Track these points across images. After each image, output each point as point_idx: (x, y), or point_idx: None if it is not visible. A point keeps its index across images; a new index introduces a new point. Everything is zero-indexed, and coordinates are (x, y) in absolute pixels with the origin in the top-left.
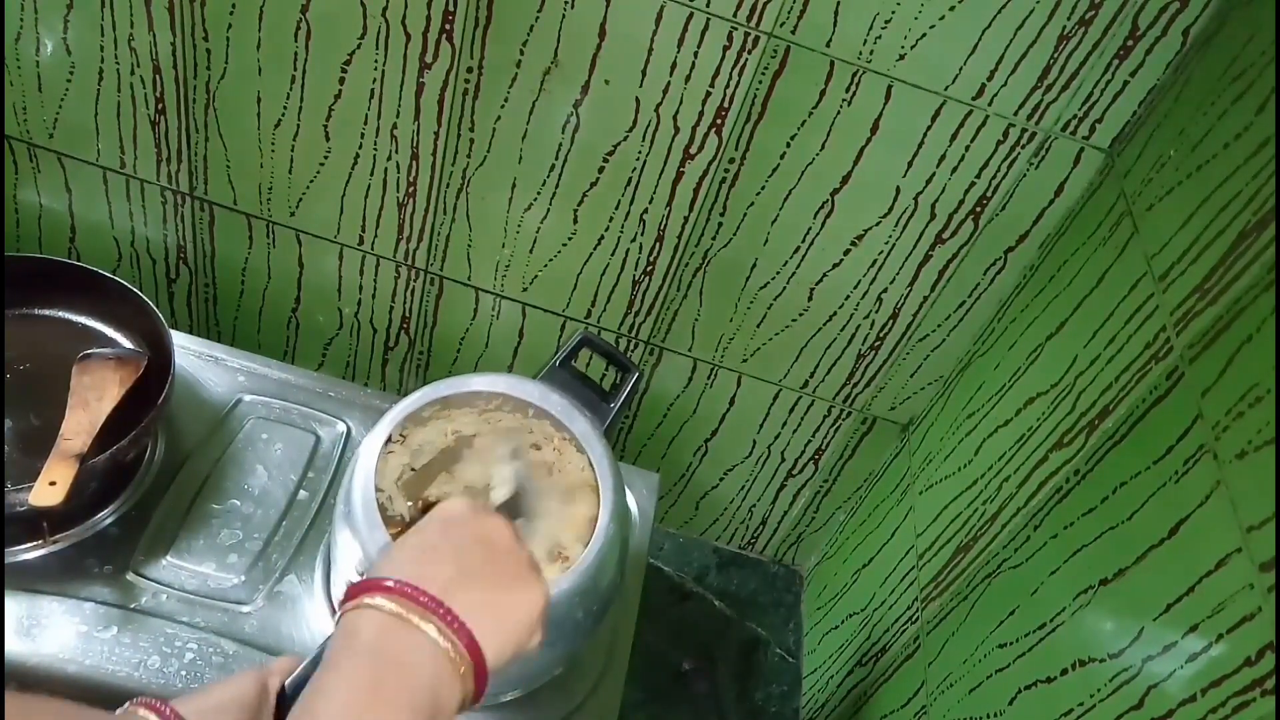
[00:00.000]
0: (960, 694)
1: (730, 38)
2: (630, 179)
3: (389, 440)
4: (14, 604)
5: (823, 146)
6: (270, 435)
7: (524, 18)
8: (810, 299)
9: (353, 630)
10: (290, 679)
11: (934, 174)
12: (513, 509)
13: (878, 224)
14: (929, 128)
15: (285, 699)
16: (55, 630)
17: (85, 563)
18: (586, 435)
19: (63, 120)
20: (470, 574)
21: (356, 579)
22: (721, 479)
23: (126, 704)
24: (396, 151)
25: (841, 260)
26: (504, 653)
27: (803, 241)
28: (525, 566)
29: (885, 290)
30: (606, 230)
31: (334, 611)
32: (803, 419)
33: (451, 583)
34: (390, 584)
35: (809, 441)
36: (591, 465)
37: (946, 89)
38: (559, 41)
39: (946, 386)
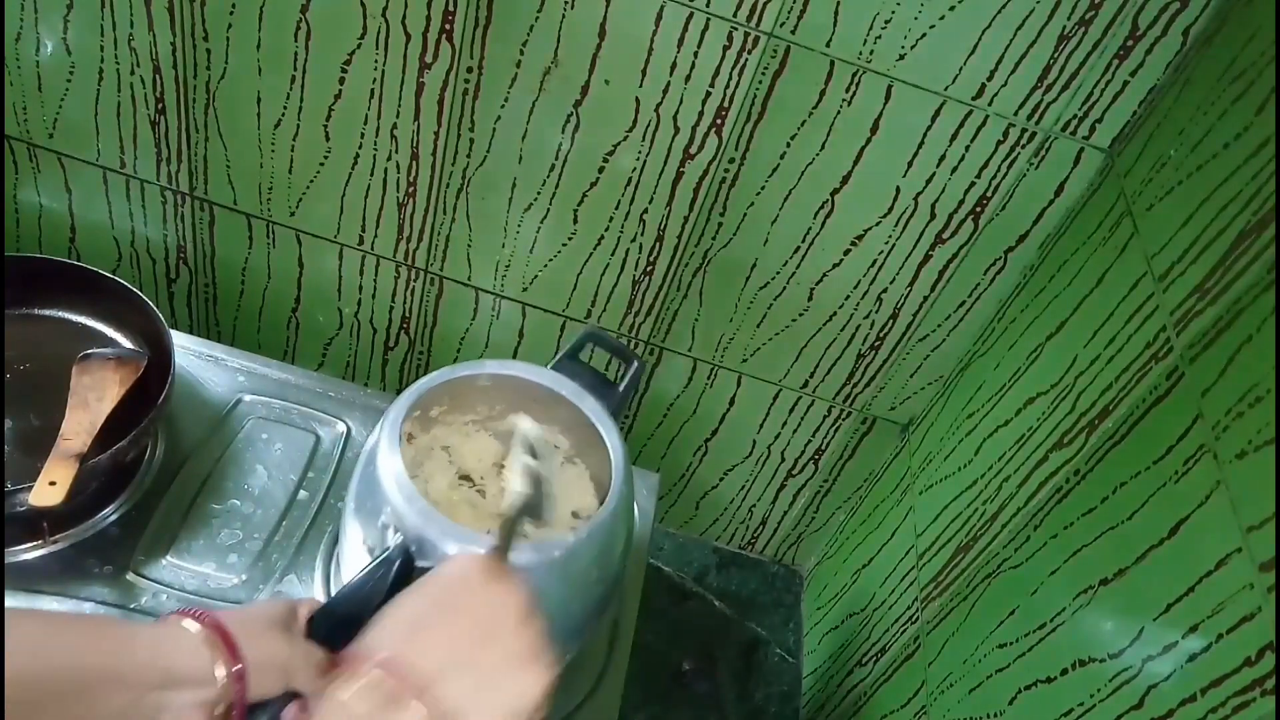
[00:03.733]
0: (960, 694)
1: (730, 38)
2: (630, 179)
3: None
4: (14, 604)
5: (823, 146)
6: (270, 435)
7: (524, 18)
8: (810, 299)
9: (340, 706)
10: (319, 609)
11: (934, 174)
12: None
13: (878, 224)
14: (929, 128)
15: (313, 624)
16: None
17: (85, 563)
18: (597, 411)
19: (63, 120)
20: (465, 659)
21: (365, 558)
22: (721, 479)
23: (167, 614)
24: (396, 151)
25: (841, 260)
26: None
27: (803, 241)
28: (528, 648)
29: (885, 290)
30: (606, 230)
31: None
32: (803, 419)
33: (445, 665)
34: (381, 658)
35: (809, 441)
36: (603, 437)
37: (946, 89)
38: (559, 41)
39: (946, 386)
